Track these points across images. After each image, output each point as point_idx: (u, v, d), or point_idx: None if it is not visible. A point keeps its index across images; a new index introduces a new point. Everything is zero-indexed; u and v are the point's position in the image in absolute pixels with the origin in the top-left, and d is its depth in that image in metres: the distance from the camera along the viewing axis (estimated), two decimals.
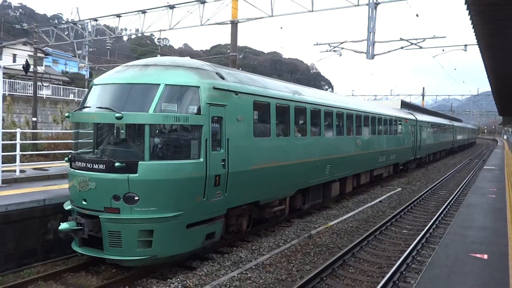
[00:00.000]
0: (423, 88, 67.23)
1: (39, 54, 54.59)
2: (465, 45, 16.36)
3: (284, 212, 10.69)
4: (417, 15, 14.16)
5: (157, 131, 6.86)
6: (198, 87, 7.14)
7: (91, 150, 7.24)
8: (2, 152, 9.61)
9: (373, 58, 13.53)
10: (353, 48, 15.65)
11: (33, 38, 24.20)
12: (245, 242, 9.29)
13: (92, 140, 7.28)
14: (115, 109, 6.67)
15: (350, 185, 14.94)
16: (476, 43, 11.13)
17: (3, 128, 21.60)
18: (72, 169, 7.14)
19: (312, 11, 14.77)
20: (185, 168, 6.90)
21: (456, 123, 46.65)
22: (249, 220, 9.38)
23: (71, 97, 38.49)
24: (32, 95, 32.71)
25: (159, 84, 6.84)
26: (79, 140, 7.59)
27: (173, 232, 6.84)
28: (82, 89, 39.84)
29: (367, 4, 13.61)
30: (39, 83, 26.50)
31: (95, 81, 7.72)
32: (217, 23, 17.07)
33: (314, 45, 18.06)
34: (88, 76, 52.23)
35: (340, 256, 8.24)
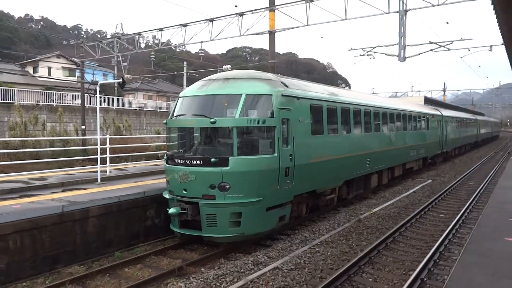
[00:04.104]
0: (444, 83, 67.64)
1: (71, 66, 57.19)
2: (491, 46, 17.48)
3: (334, 201, 12.14)
4: (447, 23, 15.35)
5: (242, 132, 8.41)
6: (271, 95, 8.68)
7: (189, 149, 8.86)
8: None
9: (404, 60, 14.85)
10: (385, 52, 16.95)
11: (80, 52, 26.21)
12: (304, 226, 10.78)
13: (187, 141, 8.90)
14: (207, 115, 8.27)
15: (385, 178, 16.27)
16: (502, 39, 12.22)
17: (58, 136, 23.51)
18: (170, 165, 8.77)
19: (346, 19, 16.17)
20: (264, 161, 8.44)
21: (479, 117, 47.12)
22: (306, 207, 10.87)
23: (104, 105, 40.21)
24: (68, 104, 34.96)
25: (241, 94, 8.41)
26: (173, 142, 9.23)
27: (256, 214, 8.39)
28: (111, 96, 41.81)
29: (397, 11, 14.94)
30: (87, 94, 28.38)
31: (182, 94, 9.37)
32: (255, 33, 18.62)
33: (348, 50, 19.44)
34: (116, 84, 54.77)
35: (390, 234, 9.65)
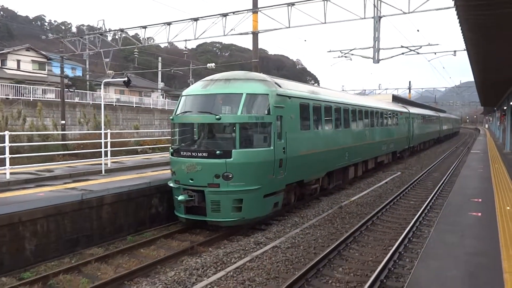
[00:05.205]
0: (409, 82, 71.12)
1: (41, 59, 55.96)
2: (455, 51, 19.25)
3: (317, 190, 13.36)
4: (418, 30, 16.87)
5: (243, 127, 9.40)
6: (268, 94, 9.72)
7: (193, 143, 9.77)
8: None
9: (378, 62, 16.23)
10: (361, 54, 18.33)
11: (59, 47, 26.19)
12: (292, 213, 11.92)
13: (193, 136, 9.81)
14: (212, 112, 9.21)
15: (360, 170, 17.70)
16: (465, 48, 13.79)
17: (40, 130, 23.62)
18: (177, 157, 9.65)
19: (325, 23, 17.36)
20: (262, 154, 9.49)
21: (442, 114, 50.00)
22: (294, 195, 12.02)
23: (77, 99, 39.64)
24: (39, 98, 34.43)
25: (242, 93, 9.41)
26: (178, 137, 10.10)
27: (255, 200, 9.44)
28: (84, 91, 41.15)
29: (372, 17, 16.28)
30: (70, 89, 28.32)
31: (185, 93, 10.25)
32: (239, 34, 19.53)
33: (327, 52, 20.70)
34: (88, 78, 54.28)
35: (369, 218, 10.95)
